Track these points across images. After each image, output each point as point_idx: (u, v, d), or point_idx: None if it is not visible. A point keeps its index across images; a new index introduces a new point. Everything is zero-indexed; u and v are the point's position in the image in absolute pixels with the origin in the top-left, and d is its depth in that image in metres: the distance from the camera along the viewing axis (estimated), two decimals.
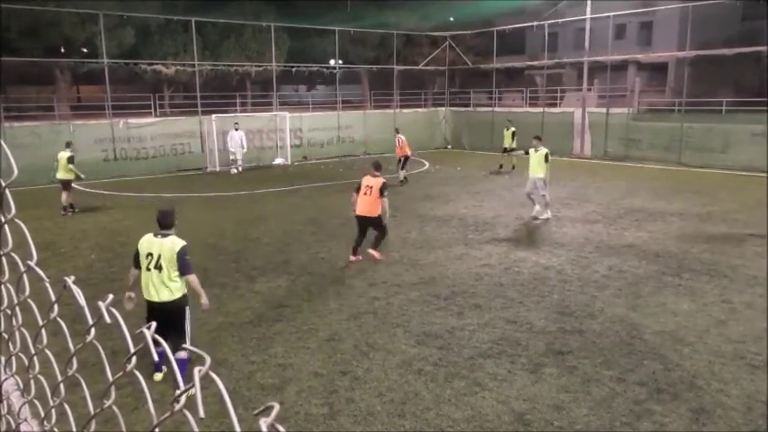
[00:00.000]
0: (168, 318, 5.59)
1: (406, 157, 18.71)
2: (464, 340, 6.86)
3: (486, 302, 8.10)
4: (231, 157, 22.08)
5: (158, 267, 5.59)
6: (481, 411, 5.32)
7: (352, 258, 10.14)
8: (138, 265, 5.76)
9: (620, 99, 29.77)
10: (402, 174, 18.61)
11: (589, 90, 27.53)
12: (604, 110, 24.94)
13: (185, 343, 5.35)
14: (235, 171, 21.92)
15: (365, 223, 9.98)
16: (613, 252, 10.54)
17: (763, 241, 11.01)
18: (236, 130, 22.11)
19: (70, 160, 14.29)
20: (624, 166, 21.10)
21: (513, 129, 21.88)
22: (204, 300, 5.91)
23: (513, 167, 20.93)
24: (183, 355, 5.49)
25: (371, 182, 9.88)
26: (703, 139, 21.87)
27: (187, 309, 5.84)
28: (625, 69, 33.65)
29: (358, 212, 9.92)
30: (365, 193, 9.82)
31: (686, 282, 8.89)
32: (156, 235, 5.72)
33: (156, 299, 5.64)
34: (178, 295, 5.71)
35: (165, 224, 5.75)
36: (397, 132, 19.34)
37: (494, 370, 6.10)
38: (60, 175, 14.39)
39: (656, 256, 10.26)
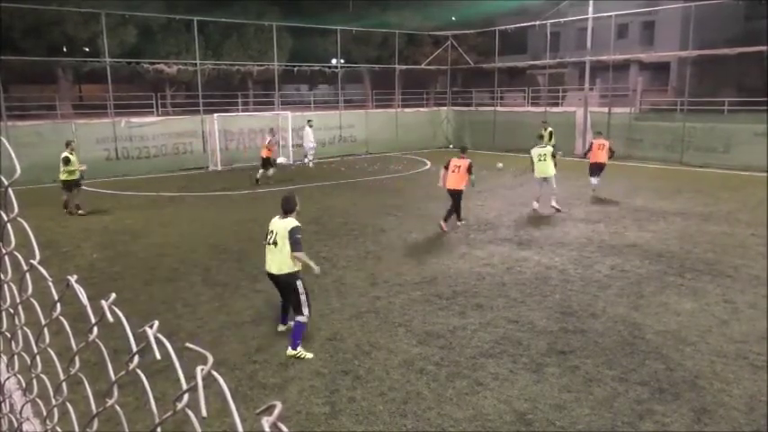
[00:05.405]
0: (282, 289, 6.76)
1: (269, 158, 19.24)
2: (466, 340, 6.86)
3: (488, 302, 8.10)
4: (309, 152, 23.45)
5: (274, 243, 6.47)
6: (483, 411, 5.32)
7: (444, 226, 12.08)
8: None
9: (622, 99, 29.74)
10: (260, 173, 18.91)
11: (591, 90, 27.48)
12: (606, 109, 24.87)
13: (302, 313, 6.51)
14: (309, 163, 23.38)
15: (454, 195, 12.11)
16: (615, 252, 10.53)
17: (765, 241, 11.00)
18: (310, 126, 23.46)
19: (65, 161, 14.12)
20: (626, 166, 21.03)
21: (549, 129, 21.26)
22: (316, 269, 6.70)
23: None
24: (301, 319, 6.52)
25: (459, 162, 12.00)
26: (705, 138, 21.82)
27: (299, 282, 6.50)
28: (627, 69, 33.61)
29: (449, 186, 12.10)
30: (453, 171, 12.00)
31: (688, 282, 8.88)
32: (280, 218, 6.61)
33: (271, 270, 6.57)
34: (285, 270, 6.45)
35: (285, 209, 6.60)
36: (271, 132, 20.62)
37: (495, 369, 6.10)
38: (63, 176, 14.32)
39: (659, 256, 10.24)
